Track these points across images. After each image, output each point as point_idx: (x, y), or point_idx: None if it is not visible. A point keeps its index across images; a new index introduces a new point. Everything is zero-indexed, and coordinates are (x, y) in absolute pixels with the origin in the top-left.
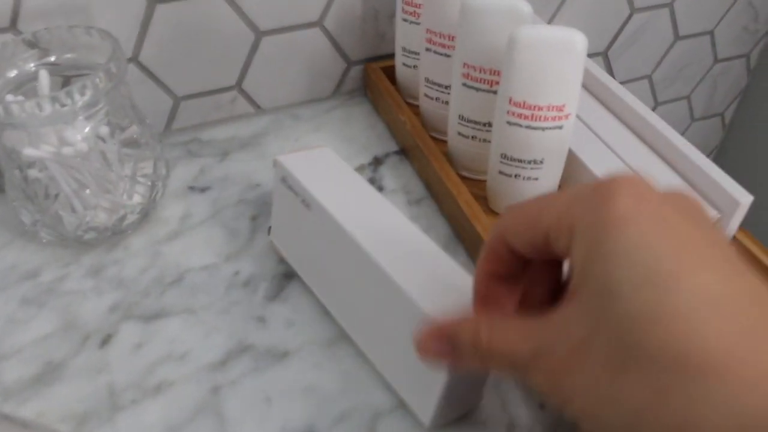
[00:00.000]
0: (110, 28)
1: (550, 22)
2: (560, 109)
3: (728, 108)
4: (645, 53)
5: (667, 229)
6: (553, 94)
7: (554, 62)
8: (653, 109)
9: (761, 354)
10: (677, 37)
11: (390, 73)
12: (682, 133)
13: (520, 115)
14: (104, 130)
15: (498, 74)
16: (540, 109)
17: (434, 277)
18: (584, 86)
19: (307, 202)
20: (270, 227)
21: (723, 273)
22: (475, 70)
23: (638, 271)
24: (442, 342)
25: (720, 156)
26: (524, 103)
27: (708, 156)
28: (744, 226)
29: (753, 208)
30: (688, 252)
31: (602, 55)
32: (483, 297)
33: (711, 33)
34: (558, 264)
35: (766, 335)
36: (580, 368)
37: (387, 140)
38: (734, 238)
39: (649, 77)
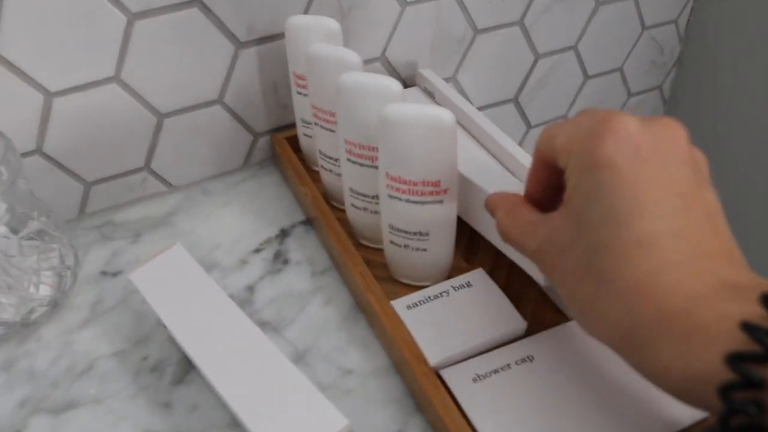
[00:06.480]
0: (9, 123)
1: (454, 75)
2: (436, 184)
3: None
4: (557, 95)
5: (636, 174)
6: (425, 170)
7: (422, 140)
8: None
9: (670, 284)
10: (587, 77)
11: (296, 142)
12: None
13: (398, 189)
14: (2, 230)
15: (377, 150)
16: (415, 184)
17: (280, 405)
18: (474, 137)
19: (163, 324)
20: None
21: (666, 216)
22: (355, 146)
23: (603, 211)
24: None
25: None
26: (400, 178)
27: None
28: None
29: None
30: (644, 196)
31: (513, 102)
32: (529, 192)
33: (620, 69)
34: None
35: (683, 268)
36: (561, 267)
37: (294, 210)
38: None
39: (564, 117)
